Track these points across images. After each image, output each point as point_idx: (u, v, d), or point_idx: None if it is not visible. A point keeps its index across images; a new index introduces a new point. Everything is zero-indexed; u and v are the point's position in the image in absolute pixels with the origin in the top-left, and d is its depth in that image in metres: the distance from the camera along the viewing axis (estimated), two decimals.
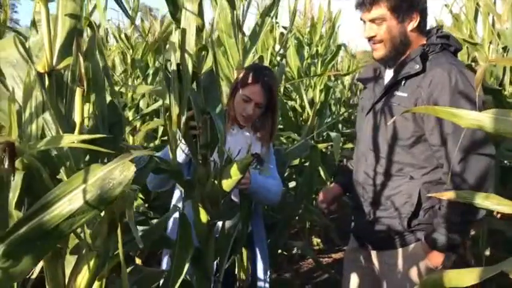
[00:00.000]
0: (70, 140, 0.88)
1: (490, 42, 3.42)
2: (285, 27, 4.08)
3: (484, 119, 1.11)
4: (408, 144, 1.86)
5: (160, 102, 3.28)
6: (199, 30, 1.38)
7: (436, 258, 1.84)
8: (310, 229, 4.59)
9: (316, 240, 4.62)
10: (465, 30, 3.97)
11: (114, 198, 0.75)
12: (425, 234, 1.85)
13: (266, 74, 2.09)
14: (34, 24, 1.21)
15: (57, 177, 0.98)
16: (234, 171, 1.59)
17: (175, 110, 1.31)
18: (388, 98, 1.90)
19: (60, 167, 0.96)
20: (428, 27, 1.97)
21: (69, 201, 0.75)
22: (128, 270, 1.54)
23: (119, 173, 0.75)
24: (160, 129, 3.26)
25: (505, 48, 2.85)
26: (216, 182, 1.61)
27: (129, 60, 3.62)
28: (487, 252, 3.34)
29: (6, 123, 1.00)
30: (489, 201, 1.50)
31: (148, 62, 3.93)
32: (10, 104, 0.83)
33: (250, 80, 2.04)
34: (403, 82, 1.86)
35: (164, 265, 2.01)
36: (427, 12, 1.90)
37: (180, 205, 1.96)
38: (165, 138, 3.37)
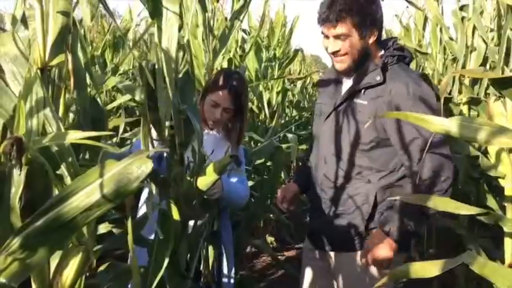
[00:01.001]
0: (75, 136, 0.91)
1: (438, 53, 3.66)
2: (244, 31, 4.15)
3: (451, 125, 1.23)
4: (367, 149, 1.94)
5: (123, 99, 3.26)
6: (178, 31, 1.42)
7: (387, 249, 1.87)
8: (264, 228, 4.68)
9: (270, 239, 4.72)
10: (414, 40, 4.22)
11: (131, 192, 0.79)
12: (381, 222, 1.91)
13: (234, 78, 2.14)
14: (23, 19, 1.21)
15: (57, 172, 1.00)
16: (211, 172, 1.64)
17: (162, 109, 1.34)
18: (348, 104, 1.98)
19: (62, 162, 0.98)
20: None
21: (86, 194, 0.79)
22: (104, 266, 1.56)
23: (136, 168, 0.79)
24: (122, 126, 3.24)
25: (454, 59, 3.05)
26: (191, 181, 1.65)
27: (88, 57, 3.55)
28: (431, 250, 3.56)
29: (4, 118, 1.01)
30: (448, 205, 1.64)
31: (106, 59, 3.88)
32: (20, 100, 0.85)
33: (218, 85, 2.09)
34: (362, 91, 1.94)
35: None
36: (383, 25, 2.01)
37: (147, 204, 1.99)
38: (125, 135, 3.34)
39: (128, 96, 3.25)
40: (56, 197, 0.79)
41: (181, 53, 1.68)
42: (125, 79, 4.20)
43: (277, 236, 4.85)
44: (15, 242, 0.76)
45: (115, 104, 3.25)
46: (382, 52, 2.00)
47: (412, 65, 4.07)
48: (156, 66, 1.46)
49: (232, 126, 2.18)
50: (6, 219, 0.89)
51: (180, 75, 1.69)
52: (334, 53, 1.95)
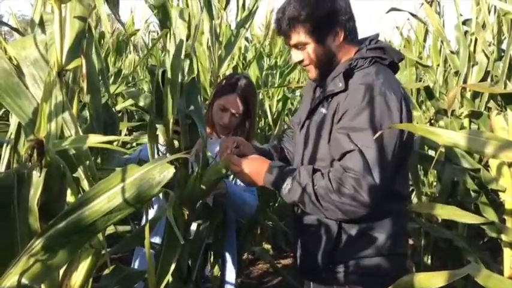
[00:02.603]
0: (96, 140, 0.92)
1: (438, 65, 3.70)
2: (246, 39, 4.19)
3: (459, 138, 1.25)
4: (327, 165, 1.69)
5: (125, 103, 3.28)
6: (186, 39, 1.45)
7: (250, 165, 1.70)
8: (261, 235, 4.69)
9: (267, 246, 4.73)
10: (414, 51, 4.27)
11: (152, 197, 0.80)
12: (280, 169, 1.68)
13: (243, 82, 2.15)
14: (41, 23, 1.23)
15: (74, 175, 1.01)
16: (217, 169, 1.66)
17: (169, 115, 1.36)
18: (314, 114, 1.81)
19: (79, 165, 0.99)
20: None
21: (108, 198, 0.80)
22: (110, 270, 1.57)
23: (158, 173, 0.80)
24: (124, 130, 3.25)
25: (456, 72, 3.09)
26: (195, 183, 1.67)
27: (102, 62, 3.57)
28: (428, 261, 3.58)
29: (24, 121, 1.02)
30: (453, 213, 1.66)
31: (108, 64, 3.89)
32: (42, 103, 0.86)
33: (226, 90, 2.10)
34: (329, 99, 1.74)
35: (136, 266, 2.03)
36: (353, 19, 1.76)
37: (155, 207, 2.00)
38: (126, 139, 3.35)
39: (130, 101, 3.26)
40: (78, 200, 0.80)
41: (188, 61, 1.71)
42: (126, 84, 4.23)
43: (274, 244, 4.86)
44: (38, 244, 0.77)
45: (118, 108, 3.26)
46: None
47: (412, 77, 4.13)
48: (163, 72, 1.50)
49: (241, 132, 2.18)
50: (25, 221, 0.90)
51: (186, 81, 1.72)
52: (300, 63, 1.80)
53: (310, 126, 1.80)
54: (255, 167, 1.70)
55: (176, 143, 1.66)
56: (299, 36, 1.72)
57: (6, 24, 1.34)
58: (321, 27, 1.70)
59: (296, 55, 1.78)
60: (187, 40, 1.71)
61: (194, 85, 1.78)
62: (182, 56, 1.55)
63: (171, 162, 1.60)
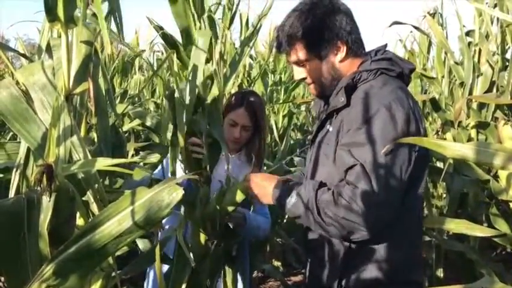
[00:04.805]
0: (104, 163, 0.92)
1: (443, 77, 3.70)
2: (250, 56, 4.22)
3: (467, 150, 1.25)
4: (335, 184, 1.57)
5: (132, 124, 3.30)
6: (207, 61, 1.47)
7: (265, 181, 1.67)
8: (270, 252, 4.65)
9: (276, 263, 4.69)
10: (419, 63, 4.28)
11: (162, 218, 0.80)
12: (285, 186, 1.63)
13: (250, 96, 2.17)
14: (48, 49, 1.24)
15: (83, 199, 1.01)
16: (237, 192, 1.66)
17: (181, 135, 1.37)
18: (321, 132, 1.73)
19: (88, 189, 0.99)
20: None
21: (118, 221, 0.80)
22: None
23: (167, 195, 0.80)
24: (131, 150, 3.25)
25: (461, 84, 3.09)
26: (218, 201, 1.67)
27: (109, 84, 3.61)
28: (441, 274, 3.54)
29: (33, 146, 1.03)
30: (462, 227, 1.64)
31: (114, 84, 3.93)
32: (51, 128, 0.87)
33: (234, 104, 2.13)
34: (334, 115, 1.66)
35: (150, 283, 2.03)
36: (356, 31, 1.67)
37: (167, 226, 2.00)
38: (134, 159, 3.36)
39: (137, 121, 3.28)
40: (88, 224, 0.81)
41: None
42: (132, 104, 4.26)
43: (284, 261, 4.82)
44: (49, 269, 0.77)
45: (124, 129, 3.28)
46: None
47: (418, 89, 4.13)
48: (177, 94, 1.52)
49: (252, 146, 2.18)
50: (35, 246, 0.90)
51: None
52: (303, 80, 1.74)
53: (317, 144, 1.73)
54: (263, 184, 1.65)
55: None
56: (298, 53, 1.66)
57: (14, 50, 1.36)
58: (320, 43, 1.63)
59: (297, 72, 1.73)
60: (208, 62, 1.75)
61: (216, 105, 1.80)
62: (200, 78, 1.58)
63: (195, 181, 1.64)
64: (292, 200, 1.57)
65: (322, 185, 1.57)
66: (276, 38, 1.73)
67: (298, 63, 1.69)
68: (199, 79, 1.47)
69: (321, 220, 1.50)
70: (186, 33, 1.54)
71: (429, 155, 1.65)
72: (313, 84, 1.72)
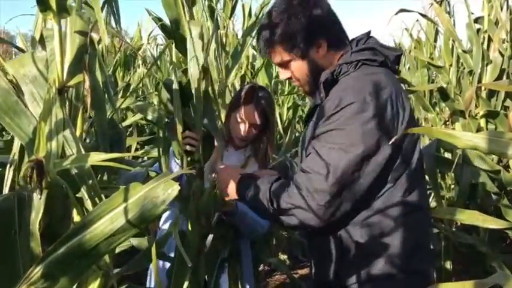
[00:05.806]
0: (97, 158, 0.88)
1: (451, 65, 3.63)
2: (254, 47, 4.15)
3: (479, 140, 1.19)
4: None
5: (134, 118, 3.26)
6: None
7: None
8: (276, 245, 4.62)
9: (283, 257, 4.66)
10: (425, 52, 4.20)
11: (156, 216, 0.76)
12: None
13: (261, 93, 2.08)
14: (41, 40, 1.20)
15: (77, 195, 0.97)
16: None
17: (179, 128, 1.32)
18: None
19: (82, 185, 0.95)
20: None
21: (110, 219, 0.75)
22: None
23: (162, 191, 0.75)
24: (134, 145, 3.23)
25: (470, 72, 3.02)
26: (211, 194, 1.63)
27: (106, 77, 3.57)
28: (449, 266, 3.49)
29: (24, 141, 0.99)
30: (474, 218, 1.59)
31: (117, 78, 3.88)
32: (40, 122, 0.83)
33: (244, 101, 2.04)
34: (316, 111, 1.63)
35: (152, 284, 1.99)
36: (337, 24, 1.65)
37: (168, 223, 1.96)
38: (137, 154, 3.33)
39: (139, 115, 3.24)
40: (79, 223, 0.76)
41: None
42: (135, 97, 4.22)
43: (290, 254, 4.79)
44: (37, 272, 0.73)
45: (127, 123, 3.24)
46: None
47: (424, 78, 4.06)
48: (175, 85, 1.47)
49: (259, 144, 2.11)
50: (27, 246, 0.86)
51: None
52: (289, 79, 1.71)
53: (302, 140, 1.70)
54: (228, 179, 1.64)
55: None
56: (279, 55, 1.62)
57: (8, 42, 1.31)
58: (299, 42, 1.58)
59: (282, 73, 1.69)
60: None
61: (209, 97, 1.75)
62: (197, 69, 1.53)
63: (190, 175, 1.60)
64: (249, 193, 1.57)
65: (280, 178, 1.57)
66: (257, 41, 1.71)
67: (282, 64, 1.66)
68: (196, 71, 1.42)
69: (275, 211, 1.49)
70: (176, 24, 1.48)
71: (416, 144, 1.58)
72: (299, 83, 1.69)
